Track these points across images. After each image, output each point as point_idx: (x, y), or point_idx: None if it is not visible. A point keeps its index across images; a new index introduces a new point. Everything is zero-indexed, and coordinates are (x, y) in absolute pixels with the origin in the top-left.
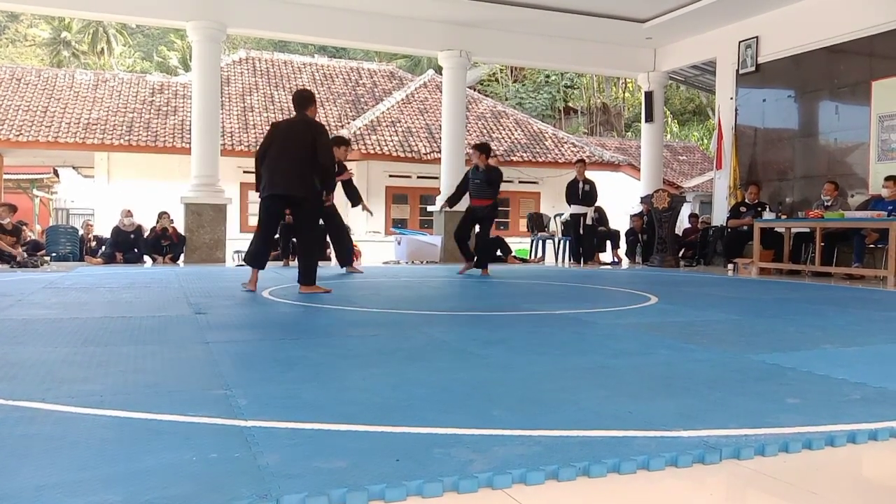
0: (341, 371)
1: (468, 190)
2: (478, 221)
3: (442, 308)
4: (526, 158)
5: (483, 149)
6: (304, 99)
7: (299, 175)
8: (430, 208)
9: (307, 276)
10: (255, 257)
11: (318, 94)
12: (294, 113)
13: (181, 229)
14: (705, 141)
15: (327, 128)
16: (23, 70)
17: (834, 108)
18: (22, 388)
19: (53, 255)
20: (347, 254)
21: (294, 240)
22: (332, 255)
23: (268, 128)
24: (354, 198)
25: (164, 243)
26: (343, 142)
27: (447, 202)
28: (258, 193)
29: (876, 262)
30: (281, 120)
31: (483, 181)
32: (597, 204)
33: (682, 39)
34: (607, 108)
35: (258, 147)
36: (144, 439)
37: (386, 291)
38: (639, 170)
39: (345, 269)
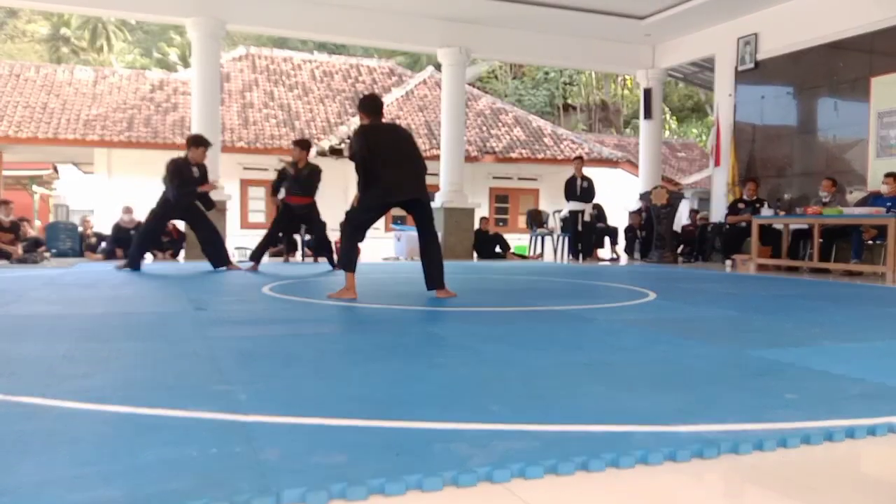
0: (341, 366)
1: (285, 187)
2: (301, 222)
3: (441, 304)
4: (525, 155)
5: (303, 145)
6: (380, 106)
7: (423, 178)
8: None
9: (442, 279)
10: (354, 261)
11: (318, 90)
12: (360, 116)
13: (181, 226)
14: (704, 138)
15: (327, 126)
16: (22, 66)
17: (833, 104)
18: (22, 383)
19: (53, 251)
20: (222, 253)
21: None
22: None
23: (360, 132)
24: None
25: (164, 240)
26: (202, 142)
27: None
28: (373, 199)
29: (874, 258)
30: (372, 125)
31: (303, 179)
32: (595, 201)
33: (681, 36)
34: (606, 104)
35: (360, 152)
36: (144, 435)
37: (385, 287)
38: (637, 166)
39: (224, 268)
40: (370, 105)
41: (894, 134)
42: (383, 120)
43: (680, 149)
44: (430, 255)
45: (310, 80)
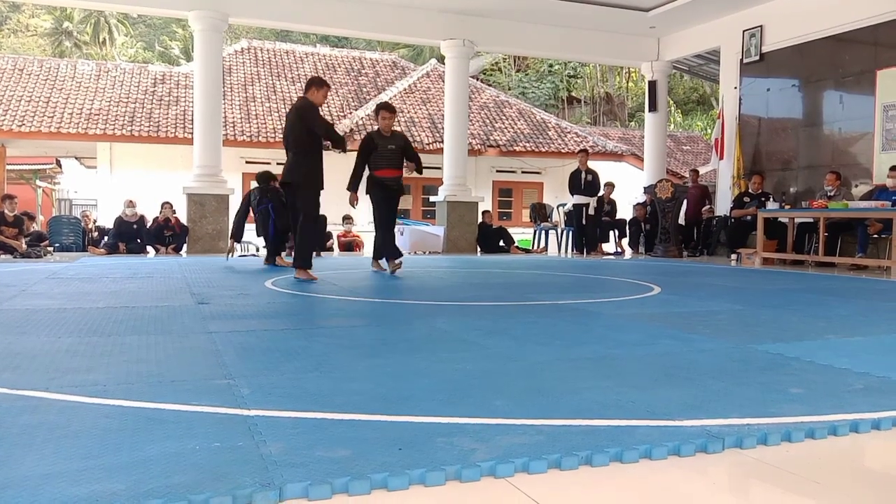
0: (344, 361)
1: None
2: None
3: (444, 298)
4: (529, 148)
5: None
6: (308, 83)
7: (293, 162)
8: (432, 198)
9: (301, 260)
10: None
11: None
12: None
13: (184, 219)
14: (709, 131)
15: (330, 119)
16: (25, 60)
17: (838, 97)
18: (26, 377)
19: (57, 245)
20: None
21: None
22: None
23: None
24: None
25: (166, 233)
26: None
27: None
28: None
29: (879, 252)
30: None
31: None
32: (606, 195)
33: (686, 28)
34: (611, 97)
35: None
36: (147, 428)
37: (389, 281)
38: (642, 160)
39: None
40: (308, 82)
41: None
42: (312, 97)
43: (685, 142)
44: (294, 239)
45: (312, 74)
